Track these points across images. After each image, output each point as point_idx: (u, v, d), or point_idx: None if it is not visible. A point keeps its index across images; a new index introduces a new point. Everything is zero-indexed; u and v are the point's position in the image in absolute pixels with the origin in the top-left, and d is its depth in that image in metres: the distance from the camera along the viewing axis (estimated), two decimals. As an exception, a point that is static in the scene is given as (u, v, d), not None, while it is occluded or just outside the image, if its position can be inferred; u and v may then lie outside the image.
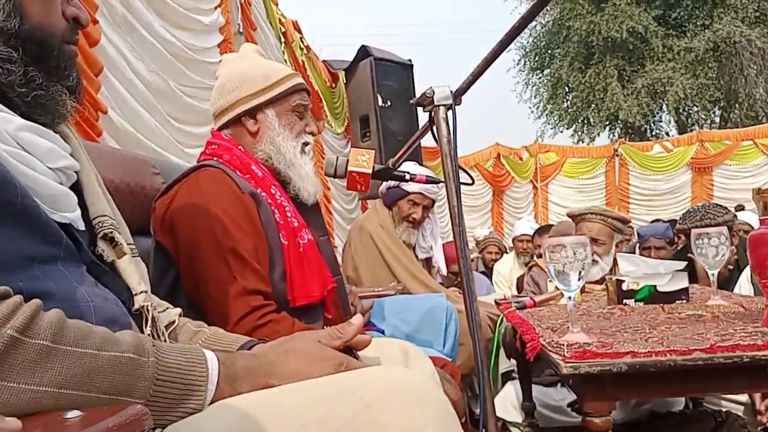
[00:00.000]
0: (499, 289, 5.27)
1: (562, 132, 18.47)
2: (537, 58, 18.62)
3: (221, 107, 1.75)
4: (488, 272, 6.01)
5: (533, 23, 16.17)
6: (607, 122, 17.78)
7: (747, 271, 3.03)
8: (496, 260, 6.15)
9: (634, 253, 4.65)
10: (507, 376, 3.15)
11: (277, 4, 4.98)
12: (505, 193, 11.55)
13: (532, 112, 18.83)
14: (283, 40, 5.01)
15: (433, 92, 1.43)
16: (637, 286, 2.16)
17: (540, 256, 4.19)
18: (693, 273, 2.90)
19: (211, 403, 0.84)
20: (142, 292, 0.98)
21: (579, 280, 1.51)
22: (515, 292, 4.25)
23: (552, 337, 1.61)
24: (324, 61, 6.16)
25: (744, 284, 3.03)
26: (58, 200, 0.89)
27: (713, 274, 2.06)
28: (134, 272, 1.00)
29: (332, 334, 1.03)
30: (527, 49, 18.53)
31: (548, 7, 15.89)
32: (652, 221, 6.97)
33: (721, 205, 3.63)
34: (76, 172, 0.98)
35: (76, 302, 0.84)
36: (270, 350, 1.00)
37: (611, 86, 16.51)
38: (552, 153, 12.25)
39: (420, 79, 6.09)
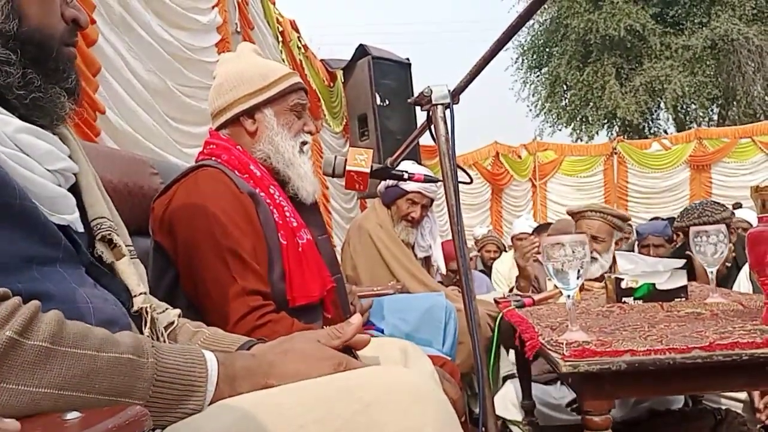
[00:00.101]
0: (498, 287, 5.26)
1: (560, 130, 18.50)
2: (535, 57, 18.62)
3: (219, 107, 1.74)
4: (487, 271, 6.01)
5: (531, 21, 16.17)
6: (606, 120, 17.78)
7: (746, 269, 3.04)
8: (494, 259, 6.14)
9: (632, 251, 4.65)
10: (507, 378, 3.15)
11: (274, 4, 4.98)
12: (503, 192, 11.55)
13: (531, 110, 18.85)
14: (280, 39, 5.00)
15: (431, 91, 1.43)
16: (636, 284, 2.17)
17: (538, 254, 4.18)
18: (692, 271, 2.90)
19: (211, 403, 0.84)
20: (141, 293, 0.98)
21: (578, 278, 1.51)
22: (515, 291, 4.25)
23: (551, 335, 1.61)
24: (322, 60, 6.16)
25: (743, 282, 3.03)
26: (56, 202, 0.89)
27: (712, 272, 2.06)
28: (133, 273, 1.00)
29: (331, 333, 1.03)
30: (525, 48, 18.52)
31: (546, 6, 15.88)
32: (651, 219, 6.99)
33: (719, 203, 3.64)
34: (75, 174, 0.98)
35: (75, 303, 0.84)
36: (269, 350, 1.00)
37: (609, 84, 16.52)
38: (550, 151, 12.25)
39: (418, 77, 6.09)
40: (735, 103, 16.65)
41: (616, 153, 11.86)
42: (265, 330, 1.41)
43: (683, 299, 2.13)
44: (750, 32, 15.21)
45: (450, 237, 1.57)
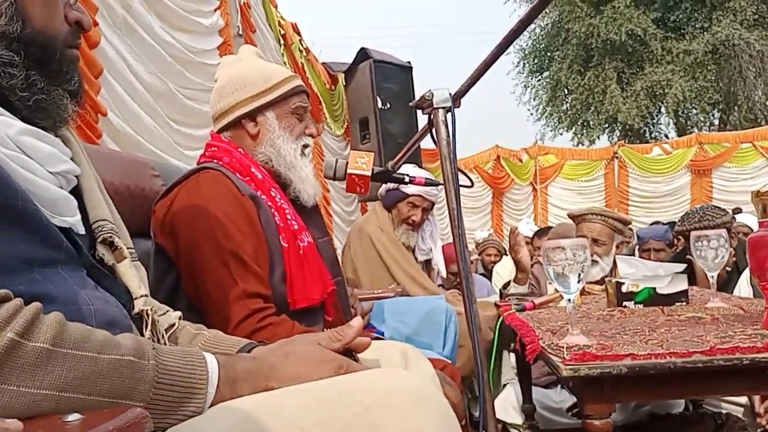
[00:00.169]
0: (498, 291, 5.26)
1: (561, 134, 18.49)
2: (536, 61, 18.62)
3: (221, 110, 1.75)
4: (488, 274, 6.01)
5: (532, 26, 16.19)
6: (607, 125, 17.78)
7: (746, 273, 3.04)
8: (495, 262, 6.14)
9: (633, 255, 4.65)
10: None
11: (276, 7, 4.99)
12: (504, 195, 11.54)
13: (532, 114, 18.85)
14: (282, 42, 5.01)
15: (433, 95, 1.43)
16: (636, 289, 2.16)
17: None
18: (692, 275, 2.90)
19: (211, 405, 0.84)
20: (142, 295, 0.98)
21: (578, 282, 1.51)
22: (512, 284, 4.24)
23: (552, 339, 1.61)
24: (323, 64, 6.17)
25: (743, 286, 3.03)
26: (58, 204, 0.89)
27: (712, 276, 2.06)
28: (134, 276, 1.00)
29: (332, 336, 1.03)
30: (526, 52, 18.53)
31: (547, 10, 15.90)
32: (652, 223, 6.98)
33: (719, 207, 3.64)
34: (77, 177, 0.98)
35: (76, 305, 0.84)
36: (270, 353, 1.00)
37: (610, 89, 16.51)
38: (551, 155, 12.25)
39: (419, 81, 6.11)
40: (736, 107, 16.64)
41: (617, 157, 11.85)
42: (265, 333, 1.41)
43: (684, 303, 2.13)
44: (751, 37, 15.21)
45: (451, 240, 1.57)
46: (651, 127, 18.34)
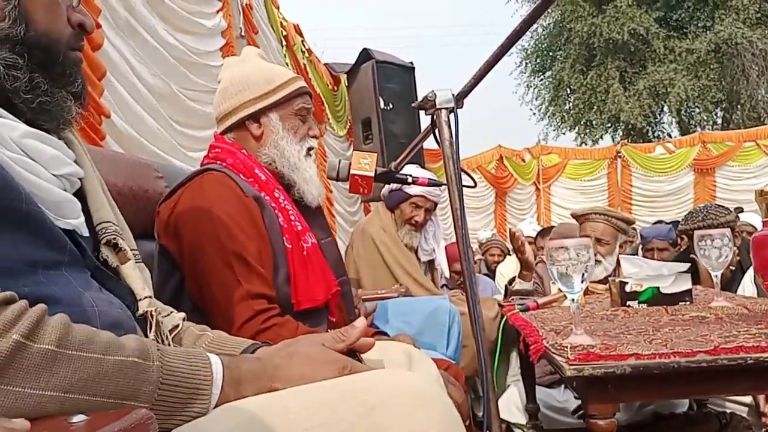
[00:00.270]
0: (502, 290, 5.25)
1: (564, 134, 18.47)
2: (539, 61, 18.60)
3: (224, 111, 1.75)
4: (491, 274, 6.00)
5: (535, 26, 16.14)
6: (609, 124, 17.75)
7: (750, 273, 3.03)
8: (498, 262, 6.14)
9: (636, 254, 4.65)
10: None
11: (278, 8, 4.99)
12: (507, 195, 11.54)
13: (534, 114, 18.84)
14: (284, 43, 5.01)
15: (435, 95, 1.43)
16: (640, 288, 2.16)
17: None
18: (696, 274, 2.90)
19: (216, 406, 0.84)
20: (146, 297, 0.99)
21: (582, 282, 1.51)
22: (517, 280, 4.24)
23: (555, 339, 1.61)
24: (326, 64, 6.17)
25: (747, 285, 3.02)
26: (61, 207, 0.90)
27: (716, 276, 2.05)
28: (138, 277, 1.00)
29: (336, 337, 1.03)
30: (529, 52, 18.51)
31: (549, 10, 15.88)
32: (654, 223, 6.97)
33: (723, 206, 3.63)
34: (80, 179, 0.98)
35: (80, 307, 0.84)
36: (274, 354, 1.00)
37: (613, 88, 16.49)
38: (554, 155, 12.24)
39: (422, 81, 6.10)
40: (739, 106, 16.61)
41: (620, 156, 11.84)
42: (269, 333, 1.41)
43: (688, 303, 2.12)
44: (754, 36, 15.17)
45: (454, 240, 1.57)
46: (654, 126, 18.31)
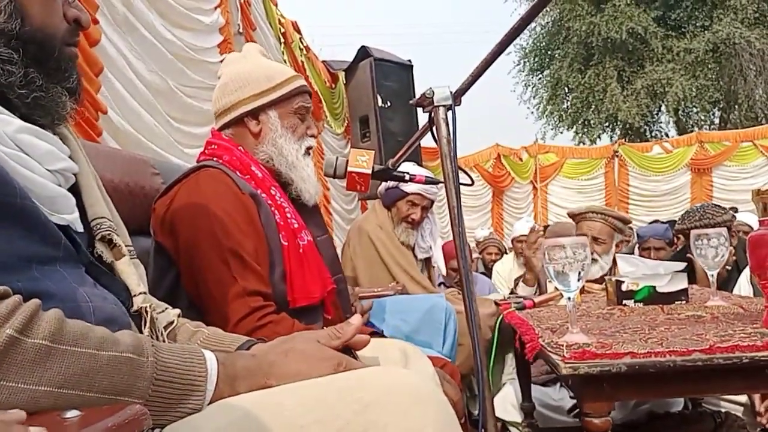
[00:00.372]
0: (499, 289, 5.26)
1: (562, 133, 18.49)
2: (537, 59, 18.60)
3: (223, 107, 1.75)
4: (488, 273, 6.01)
5: (533, 24, 16.16)
6: (607, 123, 17.77)
7: (746, 272, 3.04)
8: (495, 261, 6.14)
9: (633, 253, 4.65)
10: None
11: (276, 5, 4.98)
12: (504, 194, 11.55)
13: (532, 113, 18.85)
14: (282, 40, 5.01)
15: (433, 93, 1.43)
16: (636, 287, 2.16)
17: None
18: (692, 274, 2.90)
19: (210, 403, 0.84)
20: (140, 293, 0.98)
21: (578, 280, 1.51)
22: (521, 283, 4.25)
23: (551, 337, 1.61)
24: (324, 62, 6.17)
25: (743, 285, 3.03)
26: (56, 202, 0.90)
27: (712, 275, 2.06)
28: (133, 273, 1.00)
29: (331, 334, 1.03)
30: (527, 50, 18.51)
31: (548, 8, 15.88)
32: (651, 222, 6.98)
33: (719, 206, 3.64)
34: (75, 174, 0.98)
35: (75, 302, 0.84)
36: (269, 350, 1.00)
37: (611, 87, 16.51)
38: (552, 154, 12.24)
39: (420, 79, 6.10)
40: (736, 106, 16.63)
41: (617, 156, 11.85)
42: (265, 331, 1.41)
43: (684, 302, 2.13)
44: (752, 36, 15.20)
45: (451, 238, 1.57)
46: (651, 125, 18.33)
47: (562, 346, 1.46)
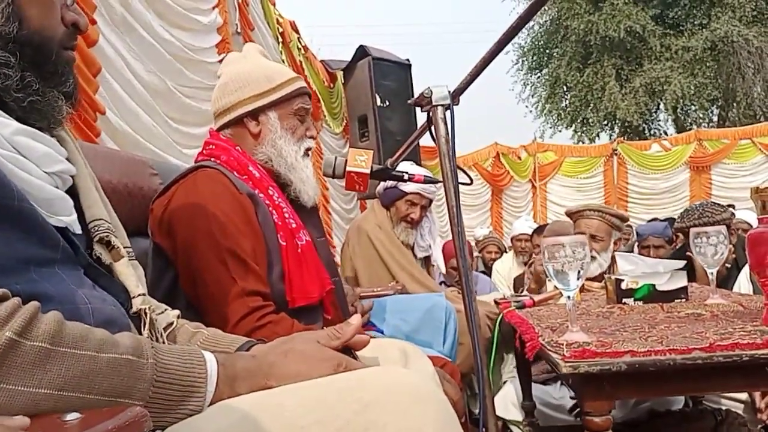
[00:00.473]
0: (499, 288, 5.26)
1: (561, 132, 18.49)
2: (535, 58, 18.60)
3: (223, 107, 1.74)
4: (488, 272, 6.01)
5: (531, 23, 16.17)
6: (605, 122, 17.78)
7: (746, 270, 3.04)
8: (495, 260, 6.14)
9: (632, 251, 4.65)
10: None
11: (274, 4, 4.98)
12: (504, 193, 11.54)
13: (531, 111, 18.85)
14: (280, 40, 5.00)
15: (431, 92, 1.43)
16: (636, 285, 2.16)
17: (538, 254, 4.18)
18: (692, 272, 2.90)
19: (211, 404, 0.84)
20: (139, 294, 0.98)
21: (578, 279, 1.51)
22: (513, 291, 4.26)
23: (551, 336, 1.61)
24: (322, 61, 6.16)
25: (743, 283, 3.03)
26: (53, 204, 0.89)
27: (712, 273, 2.06)
28: (131, 275, 0.99)
29: (331, 334, 1.03)
30: (525, 49, 18.52)
31: (546, 7, 15.88)
32: (650, 220, 6.98)
33: (719, 204, 3.64)
34: (73, 176, 0.98)
35: (74, 304, 0.84)
36: (269, 351, 0.99)
37: (609, 85, 16.51)
38: (550, 152, 12.23)
39: (418, 78, 6.10)
40: (735, 104, 16.64)
41: (616, 154, 11.84)
42: (265, 331, 1.40)
43: (683, 300, 2.13)
44: (750, 34, 15.20)
45: (450, 237, 1.57)
46: (650, 123, 18.34)
47: (562, 344, 1.46)
